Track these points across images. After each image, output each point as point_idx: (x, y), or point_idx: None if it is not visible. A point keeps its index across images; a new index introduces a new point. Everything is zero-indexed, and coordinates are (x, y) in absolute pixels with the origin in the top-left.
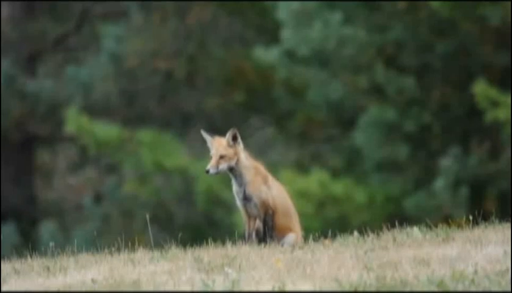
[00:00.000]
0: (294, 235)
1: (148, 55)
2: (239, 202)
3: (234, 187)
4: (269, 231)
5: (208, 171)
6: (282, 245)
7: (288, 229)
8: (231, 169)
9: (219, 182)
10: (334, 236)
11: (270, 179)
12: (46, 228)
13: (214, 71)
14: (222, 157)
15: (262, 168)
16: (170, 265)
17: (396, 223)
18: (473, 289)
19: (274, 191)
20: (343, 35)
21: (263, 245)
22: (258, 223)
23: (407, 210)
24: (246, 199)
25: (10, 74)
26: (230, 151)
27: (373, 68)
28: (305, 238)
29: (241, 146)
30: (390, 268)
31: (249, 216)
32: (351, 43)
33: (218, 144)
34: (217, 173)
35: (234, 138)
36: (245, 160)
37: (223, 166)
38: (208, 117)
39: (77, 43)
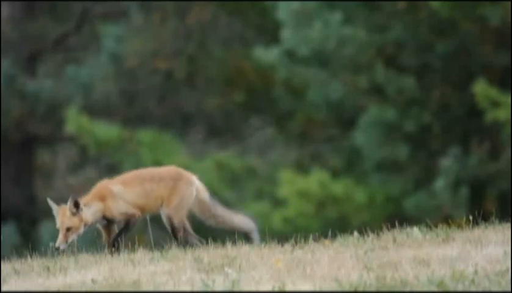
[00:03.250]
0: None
1: (148, 55)
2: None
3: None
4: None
5: (58, 248)
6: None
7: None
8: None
9: (218, 181)
10: (334, 236)
11: (116, 190)
12: (46, 228)
13: (214, 71)
14: (68, 229)
15: (104, 187)
16: (170, 266)
17: (396, 223)
18: (473, 289)
19: (123, 199)
20: (343, 35)
21: (262, 245)
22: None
23: (407, 210)
24: (111, 221)
25: (10, 74)
26: (74, 221)
27: (373, 68)
28: (305, 238)
29: (83, 209)
30: (390, 268)
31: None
32: (351, 43)
33: (62, 215)
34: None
35: (76, 205)
36: (90, 210)
37: (73, 237)
38: (208, 117)
39: (77, 43)
